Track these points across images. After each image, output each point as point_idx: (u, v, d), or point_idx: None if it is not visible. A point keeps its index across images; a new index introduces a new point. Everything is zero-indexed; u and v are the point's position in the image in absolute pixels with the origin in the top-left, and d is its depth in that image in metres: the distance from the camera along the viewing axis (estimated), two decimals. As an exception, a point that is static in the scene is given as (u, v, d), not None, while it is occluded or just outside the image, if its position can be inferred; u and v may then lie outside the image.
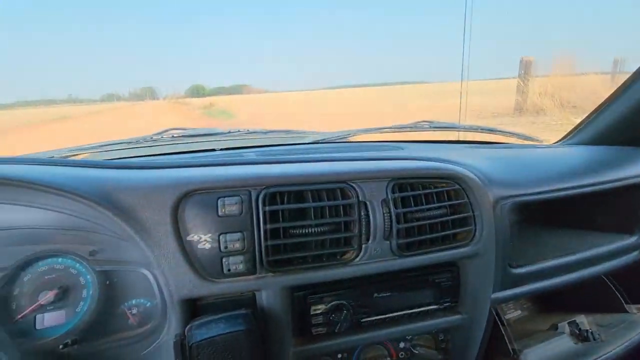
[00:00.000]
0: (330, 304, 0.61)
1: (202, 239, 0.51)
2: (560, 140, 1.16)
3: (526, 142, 1.17)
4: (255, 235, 0.53)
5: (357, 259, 0.60)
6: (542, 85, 8.74)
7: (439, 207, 0.64)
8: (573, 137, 1.13)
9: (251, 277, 0.54)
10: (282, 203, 0.56)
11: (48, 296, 0.54)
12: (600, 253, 0.81)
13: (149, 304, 0.59)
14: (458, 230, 0.66)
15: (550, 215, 0.97)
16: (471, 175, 0.67)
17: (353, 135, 1.18)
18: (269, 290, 0.56)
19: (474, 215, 0.66)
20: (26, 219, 0.54)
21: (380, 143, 1.13)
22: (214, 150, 0.95)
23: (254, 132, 1.06)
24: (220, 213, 0.52)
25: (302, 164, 0.63)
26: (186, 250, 0.52)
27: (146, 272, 0.58)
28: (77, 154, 0.88)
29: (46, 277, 0.55)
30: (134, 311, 0.58)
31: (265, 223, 0.54)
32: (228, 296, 0.56)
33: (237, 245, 0.52)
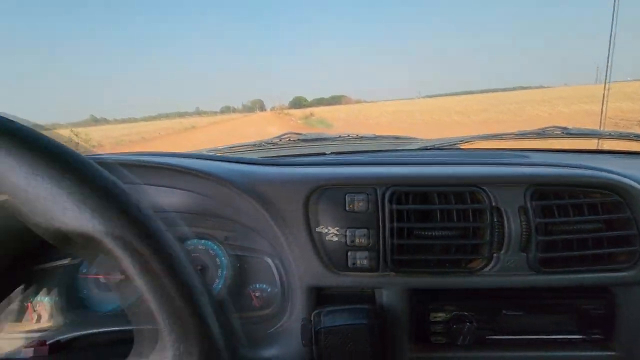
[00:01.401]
0: (452, 314, 0.57)
1: (330, 232, 0.54)
2: None
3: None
4: (380, 232, 0.54)
5: (486, 269, 0.55)
6: None
7: (592, 221, 0.55)
8: None
9: (374, 273, 0.55)
10: (408, 203, 0.55)
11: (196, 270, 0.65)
12: None
13: (269, 289, 0.64)
14: (616, 249, 0.55)
15: None
16: (636, 185, 0.56)
17: (466, 142, 1.10)
18: (390, 289, 0.56)
19: (638, 234, 0.54)
20: (180, 203, 0.65)
21: (500, 151, 1.02)
22: (324, 154, 0.99)
23: (364, 137, 1.08)
24: (347, 208, 0.54)
25: (427, 167, 0.61)
26: (315, 240, 0.55)
27: (269, 260, 0.64)
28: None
29: (193, 255, 0.66)
30: (257, 294, 0.64)
31: (391, 221, 0.54)
32: (349, 290, 0.57)
33: (363, 240, 0.54)
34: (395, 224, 0.53)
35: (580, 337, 0.57)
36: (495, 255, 0.54)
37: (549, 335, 0.58)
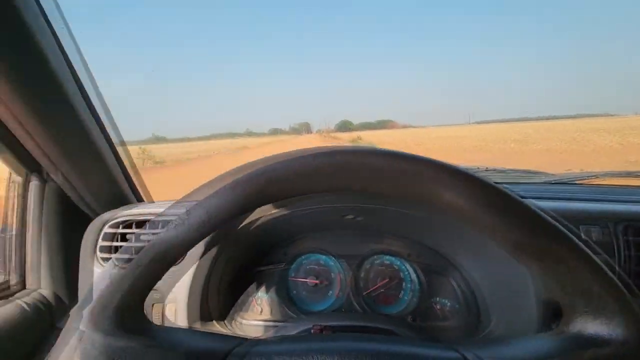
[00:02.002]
0: None
1: None
2: None
3: None
4: (617, 260, 0.61)
5: None
6: None
7: None
8: None
9: None
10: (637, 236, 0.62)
11: (382, 282, 0.76)
12: None
13: (449, 304, 0.74)
14: None
15: None
16: None
17: (595, 178, 1.14)
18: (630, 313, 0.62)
19: None
20: (366, 222, 0.77)
21: (637, 189, 1.05)
22: None
23: (494, 170, 1.15)
24: (584, 239, 0.62)
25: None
26: None
27: (450, 278, 0.73)
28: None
29: (378, 269, 0.78)
30: (439, 306, 0.74)
31: (628, 250, 0.61)
32: None
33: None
34: (632, 253, 0.60)
35: None
36: None
37: None
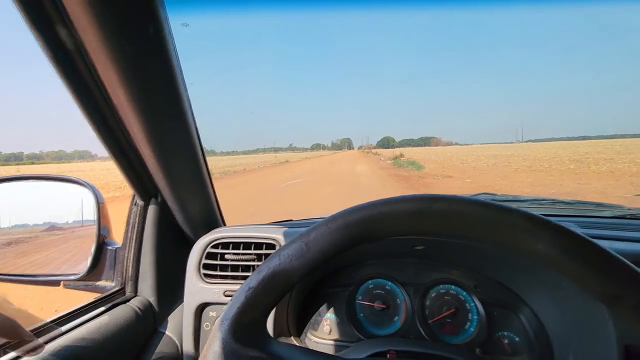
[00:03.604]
0: None
1: None
2: None
3: None
4: None
5: None
6: None
7: None
8: None
9: None
10: None
11: (448, 312, 0.78)
12: None
13: (517, 339, 0.74)
14: None
15: None
16: None
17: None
18: None
19: None
20: (430, 253, 0.80)
21: None
22: None
23: (556, 202, 1.13)
24: None
25: None
26: None
27: (525, 314, 0.74)
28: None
29: (444, 298, 0.80)
30: (506, 341, 0.75)
31: None
32: None
33: None
34: None
35: None
36: None
37: None
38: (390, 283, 0.84)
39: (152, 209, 0.76)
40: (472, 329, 0.77)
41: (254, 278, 0.40)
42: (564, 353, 0.67)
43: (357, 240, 0.42)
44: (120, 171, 0.67)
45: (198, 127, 0.74)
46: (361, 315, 0.83)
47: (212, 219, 0.87)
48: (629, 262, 0.36)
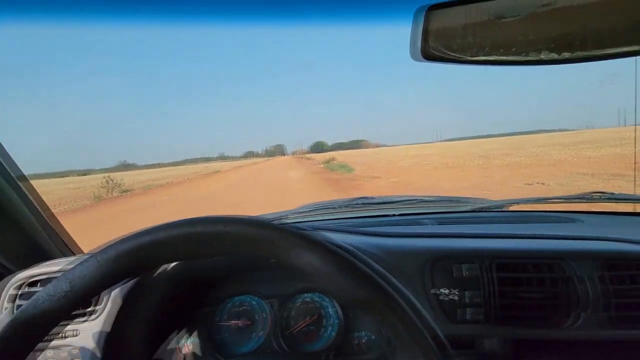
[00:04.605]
0: None
1: (442, 293, 0.68)
2: None
3: None
4: (488, 294, 0.68)
5: (572, 324, 0.67)
6: None
7: None
8: None
9: (482, 326, 0.68)
10: (509, 270, 0.69)
11: (309, 320, 0.79)
12: None
13: (373, 337, 0.78)
14: None
15: None
16: None
17: (515, 205, 1.24)
18: (494, 339, 0.69)
19: None
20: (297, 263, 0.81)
21: (548, 213, 1.15)
22: (394, 215, 1.15)
23: (422, 200, 1.24)
24: (456, 274, 0.68)
25: (521, 240, 0.75)
26: (430, 299, 0.68)
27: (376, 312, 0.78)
28: (292, 217, 1.19)
29: (307, 307, 0.81)
30: (363, 340, 0.78)
31: (495, 285, 0.68)
32: (460, 338, 0.70)
33: (476, 300, 0.67)
34: (498, 288, 0.67)
35: None
36: (579, 313, 0.67)
37: None
38: (255, 298, 0.83)
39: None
40: (326, 334, 0.79)
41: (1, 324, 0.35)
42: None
43: (131, 270, 0.39)
44: None
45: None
46: (226, 335, 0.81)
47: (42, 251, 0.77)
48: (366, 269, 0.39)
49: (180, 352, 0.79)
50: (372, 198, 1.23)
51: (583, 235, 0.77)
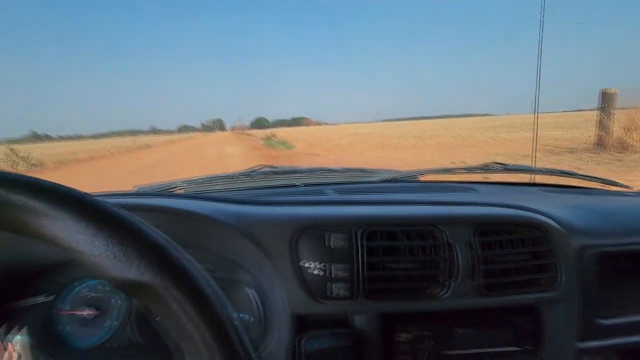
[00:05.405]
0: (415, 334, 0.66)
1: (312, 266, 0.61)
2: (650, 187, 1.10)
3: (609, 188, 1.12)
4: (355, 266, 0.62)
5: (442, 294, 0.65)
6: (631, 119, 7.95)
7: (522, 253, 0.68)
8: (666, 184, 1.06)
9: (351, 301, 0.62)
10: (379, 240, 0.64)
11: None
12: None
13: (248, 317, 0.69)
14: (540, 275, 0.68)
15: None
16: (553, 223, 0.70)
17: (422, 175, 1.23)
18: (364, 314, 0.64)
19: (556, 262, 0.68)
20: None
21: (450, 184, 1.16)
22: (296, 185, 1.07)
23: (332, 170, 1.17)
24: (326, 245, 0.62)
25: (394, 207, 0.71)
26: (298, 273, 0.62)
27: (249, 291, 0.69)
28: (180, 188, 1.04)
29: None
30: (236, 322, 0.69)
31: (363, 256, 0.62)
32: (329, 316, 0.64)
33: (341, 273, 0.61)
34: (366, 259, 0.62)
35: (517, 348, 0.69)
36: (449, 282, 0.65)
37: (493, 348, 0.69)
38: (103, 282, 0.68)
39: None
40: None
41: None
42: (273, 326, 0.65)
43: None
44: None
45: None
46: (67, 328, 0.66)
47: None
48: (162, 242, 0.28)
49: (7, 350, 0.62)
50: (276, 167, 1.13)
51: (460, 201, 0.76)
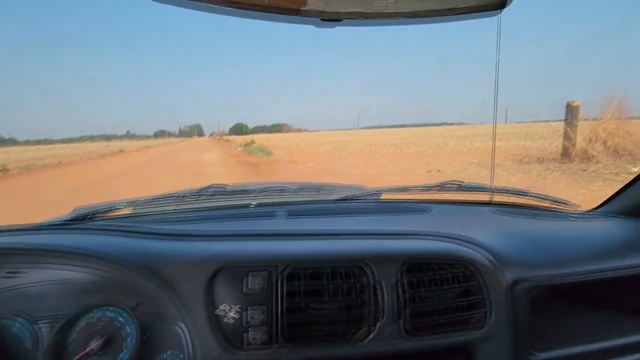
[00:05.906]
0: None
1: (229, 313, 0.57)
2: (597, 208, 1.12)
3: (559, 207, 1.15)
4: (274, 310, 0.58)
5: (367, 339, 0.62)
6: (593, 131, 8.37)
7: (452, 289, 0.66)
8: (611, 204, 1.09)
9: (269, 349, 0.58)
10: (302, 280, 0.60)
11: (96, 344, 0.62)
12: (637, 341, 0.76)
13: (181, 355, 0.64)
14: (470, 312, 0.66)
15: (579, 296, 0.92)
16: (482, 259, 0.69)
17: (380, 194, 1.22)
18: None
19: (486, 298, 0.67)
20: (78, 276, 0.63)
21: (408, 203, 1.16)
22: (249, 206, 1.03)
23: (285, 190, 1.14)
24: (245, 289, 0.58)
25: (323, 241, 0.68)
26: (214, 322, 0.57)
27: (181, 326, 0.64)
28: (123, 210, 0.98)
29: (94, 327, 0.63)
30: (168, 362, 0.64)
31: (282, 300, 0.58)
32: None
33: (259, 318, 0.57)
34: (286, 302, 0.58)
35: None
36: (373, 326, 0.62)
37: None
38: (20, 320, 0.62)
39: None
40: (126, 357, 0.63)
41: None
42: None
43: None
44: None
45: None
46: None
47: None
48: None
49: None
50: (225, 186, 1.08)
51: (396, 231, 0.74)
